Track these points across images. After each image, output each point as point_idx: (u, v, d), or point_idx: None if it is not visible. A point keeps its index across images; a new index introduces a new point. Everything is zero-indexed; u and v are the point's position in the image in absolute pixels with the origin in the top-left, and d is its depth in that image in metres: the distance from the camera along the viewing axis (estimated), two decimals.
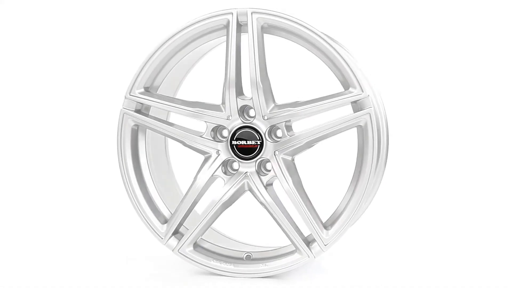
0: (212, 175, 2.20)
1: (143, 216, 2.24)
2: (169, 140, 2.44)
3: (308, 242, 2.15)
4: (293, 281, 2.16)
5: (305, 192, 2.16)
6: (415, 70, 3.43)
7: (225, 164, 2.22)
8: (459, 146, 3.41)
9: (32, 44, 3.57)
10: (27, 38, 3.56)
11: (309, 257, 2.13)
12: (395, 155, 2.45)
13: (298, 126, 2.19)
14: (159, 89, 2.28)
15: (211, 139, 2.21)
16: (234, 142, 2.19)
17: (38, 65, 3.56)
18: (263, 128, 2.17)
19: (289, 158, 2.18)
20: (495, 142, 3.40)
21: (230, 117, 2.19)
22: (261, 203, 2.17)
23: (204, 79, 2.71)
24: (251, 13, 2.12)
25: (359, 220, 2.34)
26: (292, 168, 2.17)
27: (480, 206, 3.08)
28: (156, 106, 2.21)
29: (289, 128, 2.18)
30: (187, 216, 2.22)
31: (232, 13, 2.13)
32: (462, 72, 3.44)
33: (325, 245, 2.13)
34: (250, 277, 2.17)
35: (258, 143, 2.17)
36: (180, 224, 2.22)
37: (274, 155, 2.16)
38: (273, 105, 2.17)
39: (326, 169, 3.14)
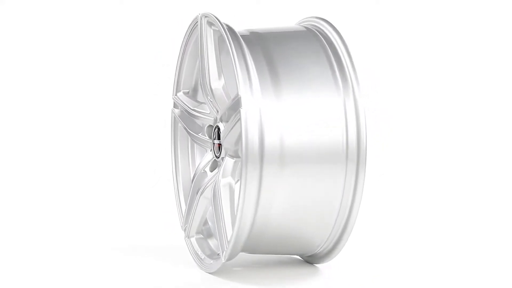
0: (201, 171, 2.36)
1: (177, 203, 2.52)
2: None
3: None
4: (292, 282, 2.18)
5: (230, 196, 2.14)
6: (417, 70, 3.39)
7: (214, 161, 2.34)
8: (453, 147, 3.38)
9: (33, 45, 3.61)
10: (30, 39, 3.61)
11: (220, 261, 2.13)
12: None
13: None
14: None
15: (206, 137, 2.36)
16: (214, 141, 2.31)
17: (39, 66, 3.60)
18: (223, 128, 2.23)
19: (232, 159, 2.18)
20: (482, 146, 3.39)
21: (215, 117, 2.31)
22: None
23: None
24: (203, 17, 2.22)
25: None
26: (228, 170, 2.17)
27: (471, 208, 3.06)
28: (181, 106, 2.47)
29: None
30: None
31: (198, 19, 2.27)
32: (463, 73, 3.42)
33: (226, 248, 2.09)
34: (204, 271, 2.26)
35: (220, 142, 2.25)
36: (189, 212, 2.43)
37: (226, 155, 2.21)
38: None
39: None
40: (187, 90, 2.50)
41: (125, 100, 3.46)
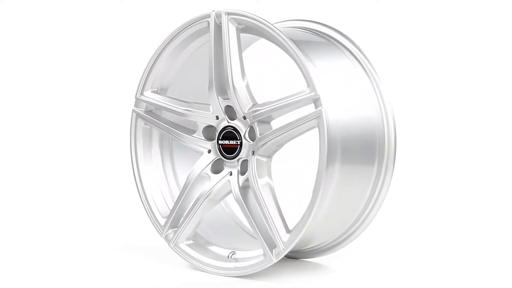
0: (199, 173, 2.27)
1: (148, 210, 2.37)
2: None
3: (276, 246, 2.11)
4: (292, 281, 2.15)
5: (273, 196, 2.13)
6: (417, 70, 3.41)
7: (214, 163, 2.27)
8: (459, 148, 3.39)
9: (32, 45, 3.70)
10: (29, 39, 3.69)
11: (270, 260, 2.10)
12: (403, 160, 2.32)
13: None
14: (178, 90, 2.40)
15: (203, 138, 2.28)
16: (220, 142, 2.24)
17: (38, 66, 3.69)
18: (242, 128, 2.19)
19: (264, 159, 2.16)
20: (491, 144, 3.38)
21: (219, 117, 2.24)
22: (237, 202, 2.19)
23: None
24: (225, 14, 2.15)
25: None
26: (263, 170, 2.15)
27: (477, 208, 3.05)
28: (159, 105, 2.34)
29: (267, 128, 2.17)
30: (183, 211, 2.31)
31: (211, 15, 2.18)
32: (466, 71, 3.42)
33: (283, 249, 2.07)
34: (222, 275, 2.19)
35: (238, 143, 2.20)
36: (176, 218, 2.31)
37: (251, 155, 2.17)
38: (251, 104, 2.17)
39: None
40: (156, 89, 2.37)
41: (125, 99, 3.13)
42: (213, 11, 2.17)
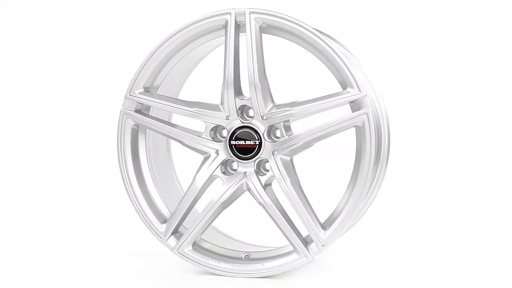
0: (210, 175, 2.21)
1: (143, 216, 2.24)
2: (171, 140, 2.44)
3: (307, 242, 2.14)
4: (293, 280, 2.16)
5: (303, 193, 2.15)
6: (417, 70, 3.44)
7: (224, 164, 2.22)
8: (461, 147, 3.40)
9: (32, 44, 3.62)
10: (27, 38, 3.61)
11: (306, 257, 2.13)
12: (397, 155, 2.45)
13: (297, 126, 2.18)
14: (161, 89, 2.29)
15: (210, 139, 2.21)
16: (233, 142, 2.19)
17: (38, 66, 3.61)
18: (261, 128, 2.17)
19: (288, 158, 2.17)
20: (496, 143, 3.40)
21: (229, 117, 2.19)
22: (259, 203, 2.17)
23: (207, 79, 2.71)
24: (249, 13, 2.12)
25: (361, 220, 2.35)
26: (290, 168, 2.17)
27: (482, 207, 3.06)
28: (155, 106, 2.23)
29: (287, 128, 2.18)
30: (187, 216, 2.22)
31: (231, 13, 2.13)
32: (465, 72, 3.44)
33: (323, 246, 2.12)
34: (248, 277, 2.17)
35: (257, 143, 2.17)
36: (179, 224, 2.22)
37: (273, 155, 2.16)
38: (271, 105, 2.17)
39: (330, 169, 3.12)
40: (148, 87, 2.26)
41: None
42: (234, 9, 2.13)
